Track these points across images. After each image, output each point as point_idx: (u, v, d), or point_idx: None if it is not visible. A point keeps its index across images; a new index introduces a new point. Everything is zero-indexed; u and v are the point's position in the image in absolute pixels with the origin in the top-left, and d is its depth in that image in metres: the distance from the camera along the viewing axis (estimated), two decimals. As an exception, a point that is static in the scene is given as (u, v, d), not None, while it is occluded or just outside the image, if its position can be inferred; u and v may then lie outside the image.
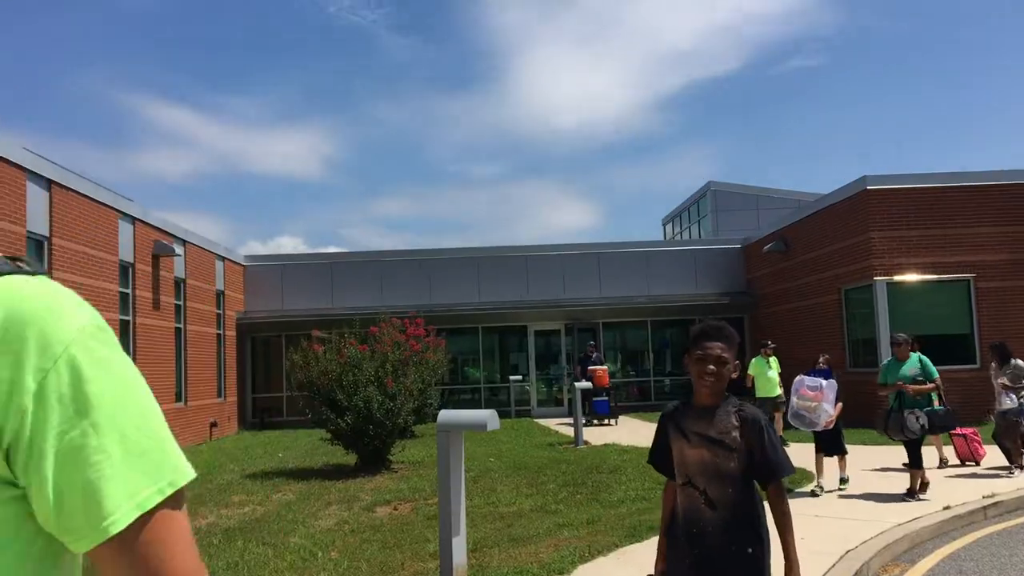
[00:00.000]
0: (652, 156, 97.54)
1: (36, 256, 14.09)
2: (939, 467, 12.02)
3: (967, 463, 12.40)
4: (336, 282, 26.36)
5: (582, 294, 26.62)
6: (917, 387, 9.77)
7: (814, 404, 9.93)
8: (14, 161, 13.49)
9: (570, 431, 17.81)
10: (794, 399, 10.11)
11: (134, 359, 17.12)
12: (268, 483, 12.67)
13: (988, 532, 8.42)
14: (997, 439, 12.02)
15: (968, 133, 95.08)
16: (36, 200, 14.13)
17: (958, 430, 11.75)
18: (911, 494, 9.70)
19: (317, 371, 13.66)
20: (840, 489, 10.30)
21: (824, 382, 10.05)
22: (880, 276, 18.89)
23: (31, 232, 13.92)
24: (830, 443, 10.48)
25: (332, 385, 13.45)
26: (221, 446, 19.57)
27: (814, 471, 10.82)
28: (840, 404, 10.24)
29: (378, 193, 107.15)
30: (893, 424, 9.71)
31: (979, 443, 12.40)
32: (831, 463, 10.72)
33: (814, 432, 10.45)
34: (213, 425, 21.91)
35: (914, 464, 9.76)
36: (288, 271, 26.50)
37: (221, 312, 23.60)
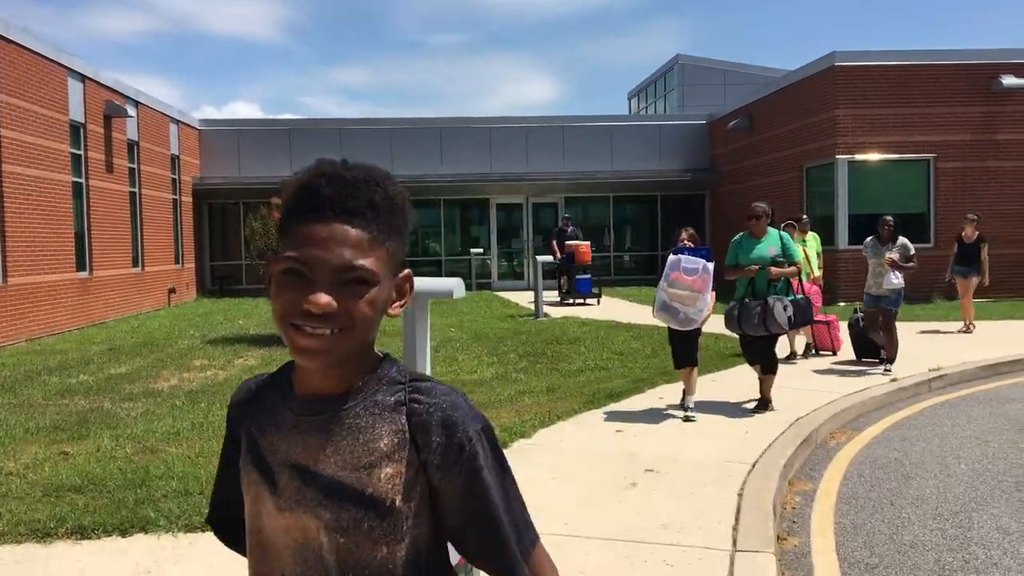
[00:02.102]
0: (620, 29, 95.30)
1: (-19, 114, 13.56)
2: (792, 359, 10.83)
3: (823, 352, 11.47)
4: (295, 149, 25.82)
5: (545, 168, 26.42)
6: (780, 269, 7.81)
7: (691, 293, 7.31)
8: (-47, 11, 12.78)
9: (531, 304, 17.99)
10: (664, 287, 7.43)
11: (88, 223, 16.84)
12: (229, 349, 12.71)
13: (932, 403, 8.76)
14: (861, 331, 10.68)
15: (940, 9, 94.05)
16: (-21, 54, 13.47)
17: (821, 316, 11.13)
18: (764, 405, 7.86)
19: (276, 239, 13.52)
20: (688, 418, 7.47)
21: (705, 263, 7.41)
22: (842, 154, 18.95)
23: (-25, 88, 13.33)
24: (686, 352, 7.69)
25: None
26: (180, 312, 19.51)
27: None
28: (714, 294, 7.53)
29: (338, 61, 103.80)
30: (748, 316, 7.69)
31: (839, 330, 11.45)
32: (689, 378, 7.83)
33: (671, 332, 7.82)
34: (171, 291, 21.77)
35: (772, 366, 7.91)
36: (245, 136, 25.86)
37: (176, 177, 23.08)
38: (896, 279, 9.72)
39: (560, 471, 5.89)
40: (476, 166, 26.23)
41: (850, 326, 11.03)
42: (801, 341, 11.38)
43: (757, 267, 7.78)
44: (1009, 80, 18.78)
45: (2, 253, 13.79)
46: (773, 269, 7.80)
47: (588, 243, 20.92)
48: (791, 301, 7.79)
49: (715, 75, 37.83)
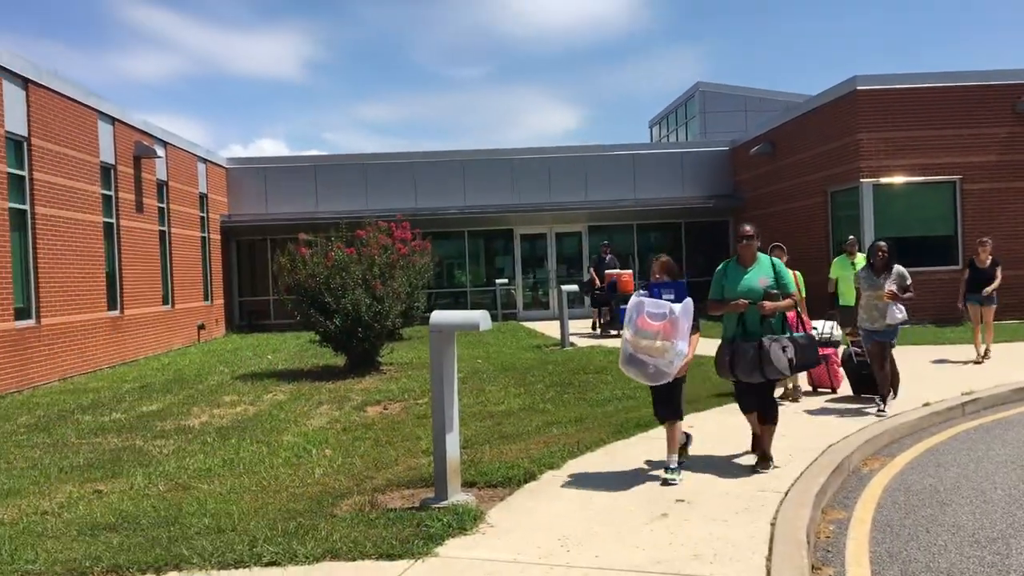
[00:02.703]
0: (640, 57, 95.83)
1: (16, 157, 13.85)
2: (792, 400, 9.73)
3: (821, 390, 10.35)
4: (320, 185, 26.11)
5: (568, 197, 26.51)
6: (774, 304, 6.53)
7: (660, 343, 6.12)
8: (-13, 59, 13.12)
9: (556, 333, 17.98)
10: (627, 336, 6.29)
11: (119, 262, 17.09)
12: (258, 384, 12.80)
13: (966, 428, 8.64)
14: (857, 365, 9.83)
15: (961, 34, 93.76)
16: (13, 99, 13.79)
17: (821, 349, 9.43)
18: (765, 460, 6.70)
19: (305, 274, 13.65)
20: (667, 481, 6.27)
21: (673, 306, 6.19)
22: (867, 178, 18.87)
23: (10, 132, 13.63)
24: (666, 403, 6.52)
25: (320, 288, 13.46)
26: (210, 348, 19.68)
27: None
28: (697, 336, 6.56)
29: (361, 97, 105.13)
30: (742, 360, 6.49)
31: (839, 365, 10.22)
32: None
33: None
34: (201, 328, 21.98)
35: (771, 416, 6.79)
36: (271, 174, 26.19)
37: (205, 215, 23.40)
38: (900, 313, 8.80)
39: (590, 502, 5.87)
40: (499, 197, 26.36)
41: (844, 362, 10.08)
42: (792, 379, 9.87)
43: (746, 302, 6.50)
44: (1034, 100, 18.65)
45: (36, 294, 14.02)
46: (766, 304, 6.47)
47: (630, 271, 20.10)
48: (791, 340, 6.51)
49: (736, 101, 37.91)
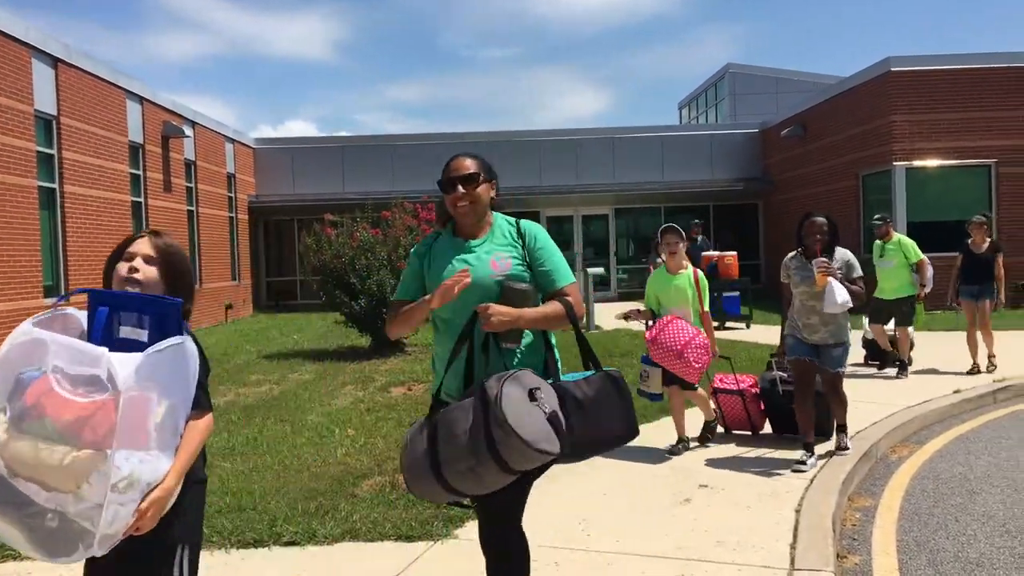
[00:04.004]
0: (670, 39, 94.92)
1: (45, 135, 13.95)
2: (676, 449, 6.77)
3: (739, 432, 7.45)
4: (347, 166, 26.13)
5: (595, 180, 26.33)
6: (502, 311, 2.90)
7: (75, 454, 2.13)
8: (19, 38, 13.19)
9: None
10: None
11: (148, 242, 17.19)
12: (284, 364, 12.85)
13: (997, 416, 8.49)
14: (782, 398, 7.16)
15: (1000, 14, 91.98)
16: (43, 78, 13.88)
17: (731, 382, 7.36)
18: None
19: (330, 255, 13.67)
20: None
21: (120, 362, 2.20)
22: (899, 161, 18.57)
23: (39, 111, 13.73)
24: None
25: (345, 269, 13.47)
26: (237, 328, 19.80)
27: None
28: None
29: (391, 79, 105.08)
30: (443, 434, 2.85)
31: (758, 400, 7.35)
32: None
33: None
34: (228, 307, 22.12)
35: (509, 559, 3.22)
36: (299, 155, 26.24)
37: (232, 195, 23.51)
38: (840, 295, 6.02)
39: (612, 487, 5.81)
40: (526, 179, 26.24)
41: (762, 393, 7.35)
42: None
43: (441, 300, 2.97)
44: (1073, 81, 18.23)
45: (65, 272, 14.14)
46: (493, 310, 2.92)
47: (734, 253, 17.53)
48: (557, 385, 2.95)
49: (767, 83, 37.43)
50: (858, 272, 6.32)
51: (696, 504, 5.37)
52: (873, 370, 10.85)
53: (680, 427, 6.87)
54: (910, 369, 10.44)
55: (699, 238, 17.22)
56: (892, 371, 10.43)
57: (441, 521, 4.98)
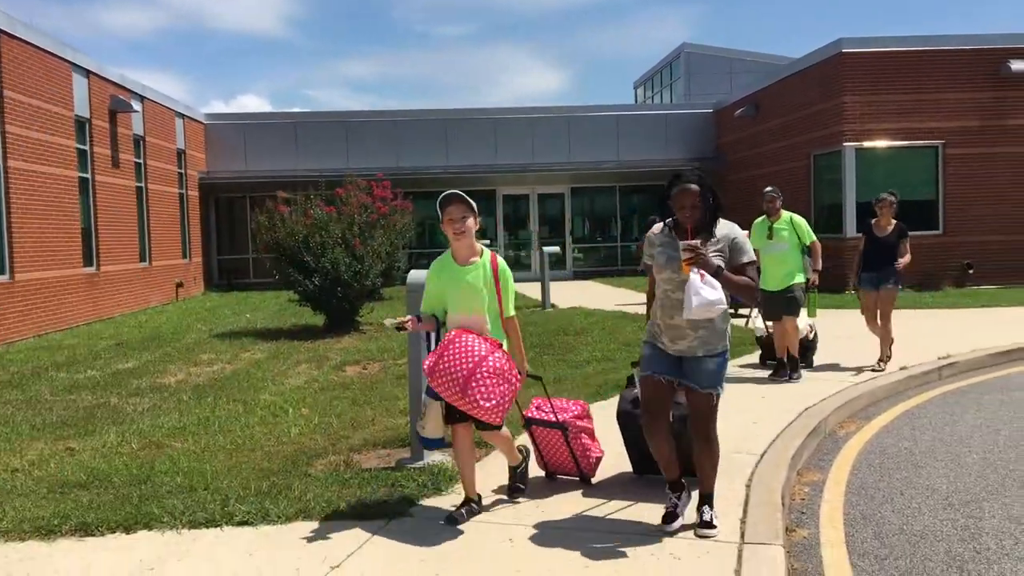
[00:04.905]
0: (625, 18, 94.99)
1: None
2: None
3: (564, 476, 5.44)
4: (301, 143, 25.80)
5: (551, 158, 26.33)
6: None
7: None
8: (-44, 8, 12.77)
9: (538, 295, 17.94)
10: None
11: (95, 218, 16.84)
12: (236, 343, 12.70)
13: (942, 391, 8.69)
14: (638, 432, 5.01)
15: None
16: (-18, 50, 13.46)
17: (549, 411, 5.31)
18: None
19: (284, 232, 13.51)
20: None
21: None
22: (850, 142, 18.83)
23: (-21, 84, 13.32)
24: None
25: (299, 247, 13.33)
26: (187, 306, 19.52)
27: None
28: None
29: (344, 54, 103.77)
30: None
31: (591, 437, 5.36)
32: None
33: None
34: (179, 286, 21.79)
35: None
36: (251, 130, 25.84)
37: (183, 171, 23.09)
38: (707, 293, 4.23)
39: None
40: (482, 157, 26.16)
41: (622, 418, 5.47)
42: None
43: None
44: (1018, 65, 18.63)
45: (9, 249, 13.80)
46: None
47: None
48: None
49: (721, 63, 37.67)
50: (748, 255, 4.51)
51: (647, 479, 5.43)
52: (768, 372, 9.17)
53: (468, 483, 4.80)
54: (804, 367, 9.19)
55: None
56: (798, 371, 8.91)
57: (395, 499, 4.97)
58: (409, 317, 4.77)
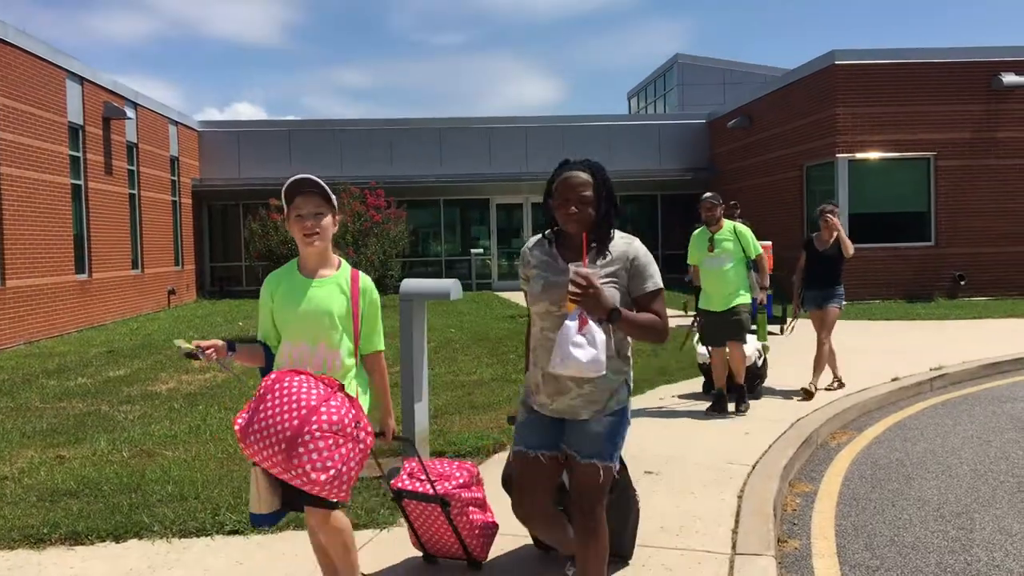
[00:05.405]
0: (619, 28, 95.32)
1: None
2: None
3: (451, 559, 4.25)
4: (295, 151, 25.80)
5: (545, 168, 26.36)
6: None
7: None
8: (-50, 14, 12.75)
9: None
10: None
11: (88, 225, 16.80)
12: (229, 351, 12.65)
13: (933, 402, 8.71)
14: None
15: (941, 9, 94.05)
16: (-24, 56, 13.44)
17: (423, 478, 4.08)
18: None
19: (276, 240, 13.51)
20: None
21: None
22: (842, 153, 18.90)
23: (-28, 90, 13.30)
24: None
25: (292, 255, 13.31)
26: (180, 314, 19.47)
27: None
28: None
29: (339, 62, 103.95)
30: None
31: (485, 508, 4.15)
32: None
33: None
34: (171, 293, 21.74)
35: None
36: (245, 138, 25.83)
37: (176, 179, 23.06)
38: (585, 350, 3.03)
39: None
40: (476, 166, 26.19)
41: (506, 481, 4.28)
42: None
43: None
44: (1009, 78, 18.73)
45: (1, 256, 13.75)
46: None
47: (769, 243, 14.75)
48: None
49: (714, 74, 37.79)
50: (652, 282, 3.23)
51: (640, 490, 5.41)
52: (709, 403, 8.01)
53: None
54: (751, 397, 8.26)
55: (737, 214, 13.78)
56: (745, 402, 7.92)
57: (387, 509, 4.96)
58: (211, 342, 3.33)
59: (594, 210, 3.22)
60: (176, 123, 23.16)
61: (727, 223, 7.91)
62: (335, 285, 3.48)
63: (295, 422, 3.03)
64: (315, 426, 3.03)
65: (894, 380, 9.28)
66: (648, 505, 5.13)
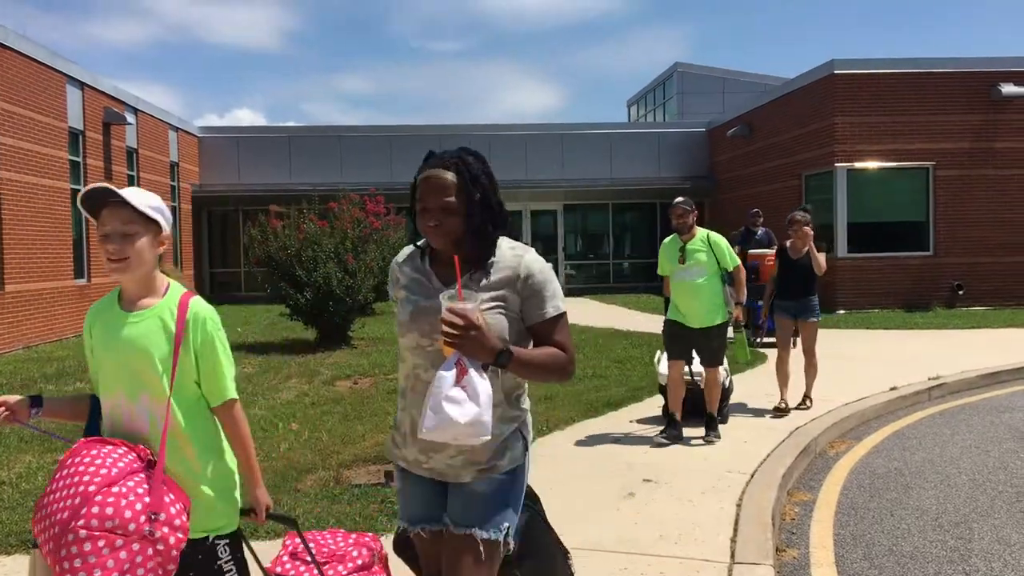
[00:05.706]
0: (619, 36, 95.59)
1: (-21, 121, 13.53)
2: None
3: None
4: (295, 157, 25.82)
5: (544, 175, 26.41)
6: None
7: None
8: (-49, 18, 12.78)
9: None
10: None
11: (87, 230, 16.80)
12: (227, 356, 12.65)
13: (931, 412, 8.71)
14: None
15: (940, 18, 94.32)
16: (-23, 61, 13.47)
17: (313, 563, 3.00)
18: None
19: (276, 246, 13.50)
20: None
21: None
22: (841, 162, 18.93)
23: (-27, 95, 13.32)
24: None
25: (291, 261, 13.33)
26: (179, 320, 19.44)
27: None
28: None
29: (340, 69, 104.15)
30: None
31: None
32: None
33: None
34: (170, 299, 21.71)
35: None
36: (244, 144, 25.86)
37: (176, 184, 23.08)
38: (462, 408, 2.29)
39: (557, 481, 5.84)
40: (475, 173, 26.20)
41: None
42: None
43: None
44: (1008, 88, 18.78)
45: (0, 260, 13.76)
46: None
47: (774, 251, 13.09)
48: None
49: (714, 83, 37.89)
50: (553, 305, 2.57)
51: (639, 498, 5.42)
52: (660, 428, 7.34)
53: None
54: (720, 422, 7.41)
55: (759, 231, 13.89)
56: (716, 429, 7.14)
57: (385, 516, 4.96)
58: (1, 399, 2.55)
59: (463, 219, 2.51)
60: (176, 129, 23.19)
61: (700, 231, 7.17)
62: (156, 318, 2.62)
63: (65, 514, 2.24)
64: (82, 522, 2.22)
65: (892, 389, 9.28)
66: (647, 513, 5.13)
